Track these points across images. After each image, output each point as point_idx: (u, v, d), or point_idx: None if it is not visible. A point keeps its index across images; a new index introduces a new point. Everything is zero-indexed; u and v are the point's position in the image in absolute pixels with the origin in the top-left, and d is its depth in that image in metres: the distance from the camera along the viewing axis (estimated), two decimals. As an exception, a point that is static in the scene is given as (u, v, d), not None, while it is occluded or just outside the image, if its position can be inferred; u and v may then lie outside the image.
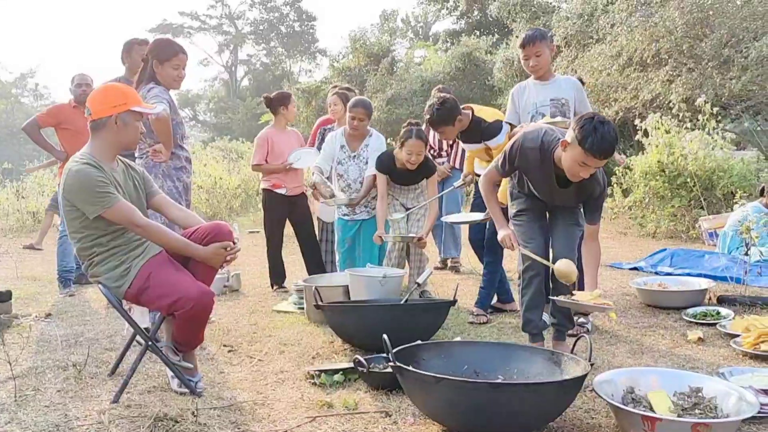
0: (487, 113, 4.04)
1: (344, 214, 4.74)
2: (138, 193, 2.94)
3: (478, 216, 4.06)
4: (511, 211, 3.37)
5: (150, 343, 2.82)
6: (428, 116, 3.89)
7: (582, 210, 3.25)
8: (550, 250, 3.40)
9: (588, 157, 2.80)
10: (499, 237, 3.26)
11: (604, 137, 2.76)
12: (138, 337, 2.97)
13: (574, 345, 2.67)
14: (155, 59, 3.76)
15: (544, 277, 3.30)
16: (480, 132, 3.95)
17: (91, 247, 2.76)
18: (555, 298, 3.13)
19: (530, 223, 3.30)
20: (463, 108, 3.99)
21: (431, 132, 4.96)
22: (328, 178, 4.76)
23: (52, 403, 2.72)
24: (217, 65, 45.06)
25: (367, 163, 4.67)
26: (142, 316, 3.59)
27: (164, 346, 2.87)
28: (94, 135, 2.81)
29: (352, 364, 2.96)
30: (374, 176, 4.63)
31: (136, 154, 3.88)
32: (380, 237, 4.49)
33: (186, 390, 2.82)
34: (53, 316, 4.52)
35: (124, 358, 3.12)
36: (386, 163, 4.53)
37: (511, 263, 6.39)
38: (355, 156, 4.68)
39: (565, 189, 3.09)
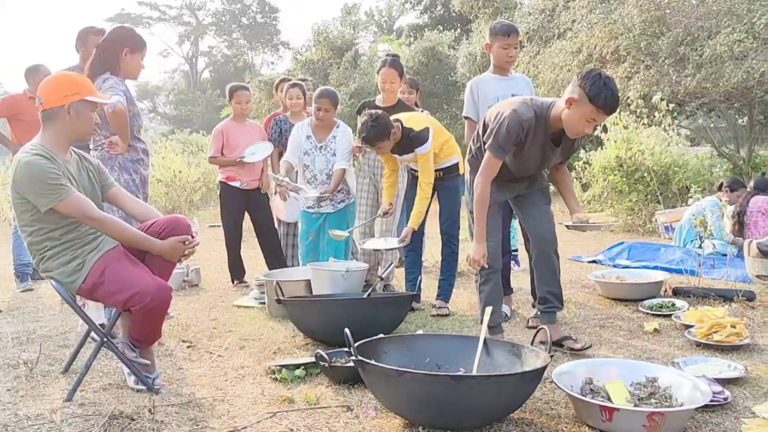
0: (415, 122, 4.02)
1: (308, 207, 4.66)
2: (92, 185, 2.85)
3: (394, 241, 4.10)
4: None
5: (105, 339, 2.75)
6: (364, 134, 3.83)
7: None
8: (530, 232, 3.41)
9: (598, 113, 2.82)
10: (474, 252, 3.13)
11: (614, 93, 2.80)
12: (93, 334, 2.89)
13: (534, 337, 2.70)
14: (128, 47, 3.68)
15: (501, 273, 3.37)
16: (411, 141, 3.96)
17: (42, 241, 2.68)
18: (570, 224, 3.26)
19: (493, 218, 3.29)
20: (416, 107, 3.98)
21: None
22: (296, 172, 4.70)
23: (2, 402, 2.63)
24: (177, 56, 44.38)
25: (334, 154, 4.60)
26: (97, 312, 3.50)
27: (120, 342, 2.80)
28: (46, 125, 2.72)
29: (313, 359, 2.95)
30: (343, 170, 4.56)
31: (91, 146, 3.77)
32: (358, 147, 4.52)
33: (143, 387, 2.75)
34: (4, 312, 4.38)
35: (79, 355, 3.04)
36: (366, 107, 4.59)
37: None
38: (321, 147, 4.59)
39: (557, 148, 3.12)
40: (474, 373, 2.59)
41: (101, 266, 2.68)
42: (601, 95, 2.76)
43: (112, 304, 2.79)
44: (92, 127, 2.83)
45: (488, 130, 3.10)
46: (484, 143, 3.17)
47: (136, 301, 2.62)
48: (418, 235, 4.24)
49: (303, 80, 5.62)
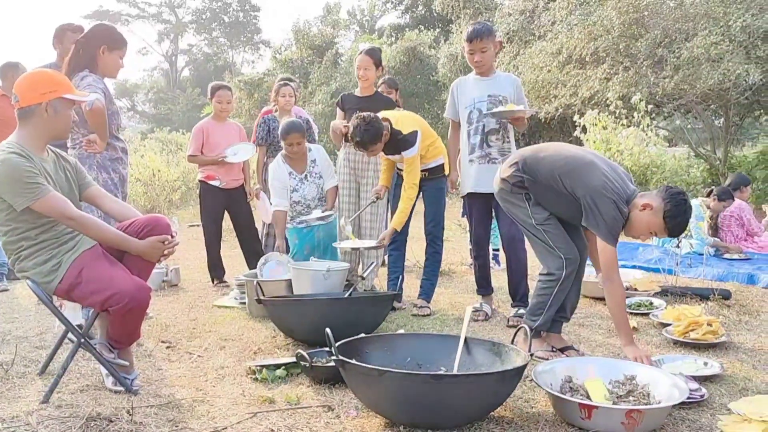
0: (404, 123, 4.01)
1: (298, 222, 4.63)
2: (70, 184, 2.81)
3: (371, 243, 4.11)
4: (538, 217, 3.16)
5: (83, 340, 2.71)
6: (357, 139, 3.82)
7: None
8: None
9: (663, 231, 2.88)
10: (634, 356, 2.87)
11: (686, 222, 2.87)
12: (70, 335, 2.85)
13: (515, 336, 2.72)
14: (105, 45, 3.63)
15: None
16: (398, 144, 3.96)
17: (18, 241, 2.63)
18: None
19: (560, 228, 3.18)
20: (383, 119, 3.96)
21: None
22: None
23: (-24, 404, 2.58)
24: (156, 54, 43.99)
25: (320, 177, 4.60)
26: (75, 313, 3.45)
27: (98, 343, 2.77)
28: (22, 123, 2.68)
29: (294, 359, 2.94)
30: (336, 187, 4.60)
31: (69, 145, 3.72)
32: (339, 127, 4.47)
33: (121, 388, 2.72)
34: (-21, 313, 4.31)
35: (56, 356, 3.00)
36: (345, 99, 4.66)
37: (453, 256, 6.46)
38: (306, 176, 4.59)
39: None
40: (455, 372, 2.60)
41: (78, 266, 2.65)
42: (677, 219, 2.83)
43: (89, 304, 2.75)
44: (70, 125, 2.80)
45: (589, 214, 2.94)
46: (525, 182, 3.14)
47: (115, 302, 2.59)
48: (402, 234, 4.24)
49: (290, 80, 5.65)
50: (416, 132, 3.96)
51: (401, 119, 4.05)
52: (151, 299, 2.76)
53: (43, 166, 2.66)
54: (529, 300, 3.98)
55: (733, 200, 6.35)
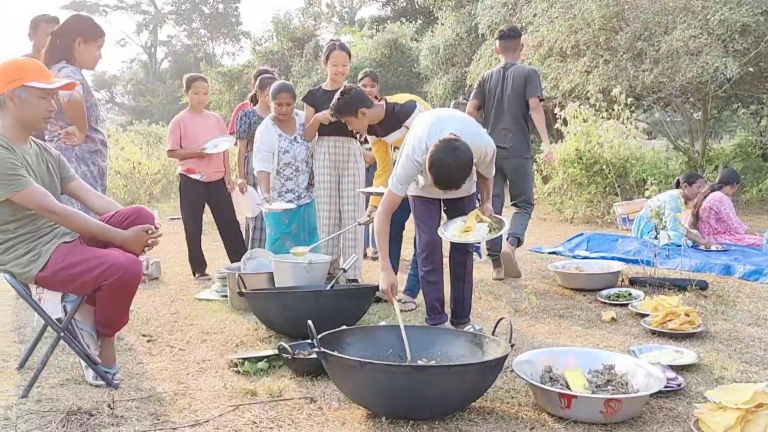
0: (400, 98, 4.04)
1: (288, 202, 4.61)
2: (51, 177, 2.77)
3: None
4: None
5: (62, 333, 2.69)
6: (332, 103, 3.87)
7: None
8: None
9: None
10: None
11: None
12: (50, 328, 2.82)
13: (495, 327, 2.74)
14: (80, 36, 3.58)
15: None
16: (398, 116, 3.94)
17: (-5, 233, 2.60)
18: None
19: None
20: (377, 100, 3.94)
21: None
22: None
23: (-46, 400, 2.55)
24: (135, 46, 43.34)
25: (310, 141, 4.66)
26: (54, 307, 3.40)
27: (84, 331, 2.74)
28: (0, 114, 2.64)
29: (276, 351, 2.94)
30: None
31: (47, 137, 3.67)
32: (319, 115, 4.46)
33: (102, 382, 2.71)
34: (-45, 308, 4.24)
35: (35, 350, 2.97)
36: (314, 93, 4.61)
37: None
38: (295, 138, 4.59)
39: None
40: (408, 359, 2.64)
41: (62, 253, 2.61)
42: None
43: (77, 288, 2.63)
44: (41, 114, 2.68)
45: None
46: None
47: (110, 274, 2.55)
48: (397, 228, 4.23)
49: (268, 72, 5.52)
50: (413, 101, 3.97)
51: (397, 96, 4.10)
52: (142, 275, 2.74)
53: (25, 157, 2.62)
54: None
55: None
